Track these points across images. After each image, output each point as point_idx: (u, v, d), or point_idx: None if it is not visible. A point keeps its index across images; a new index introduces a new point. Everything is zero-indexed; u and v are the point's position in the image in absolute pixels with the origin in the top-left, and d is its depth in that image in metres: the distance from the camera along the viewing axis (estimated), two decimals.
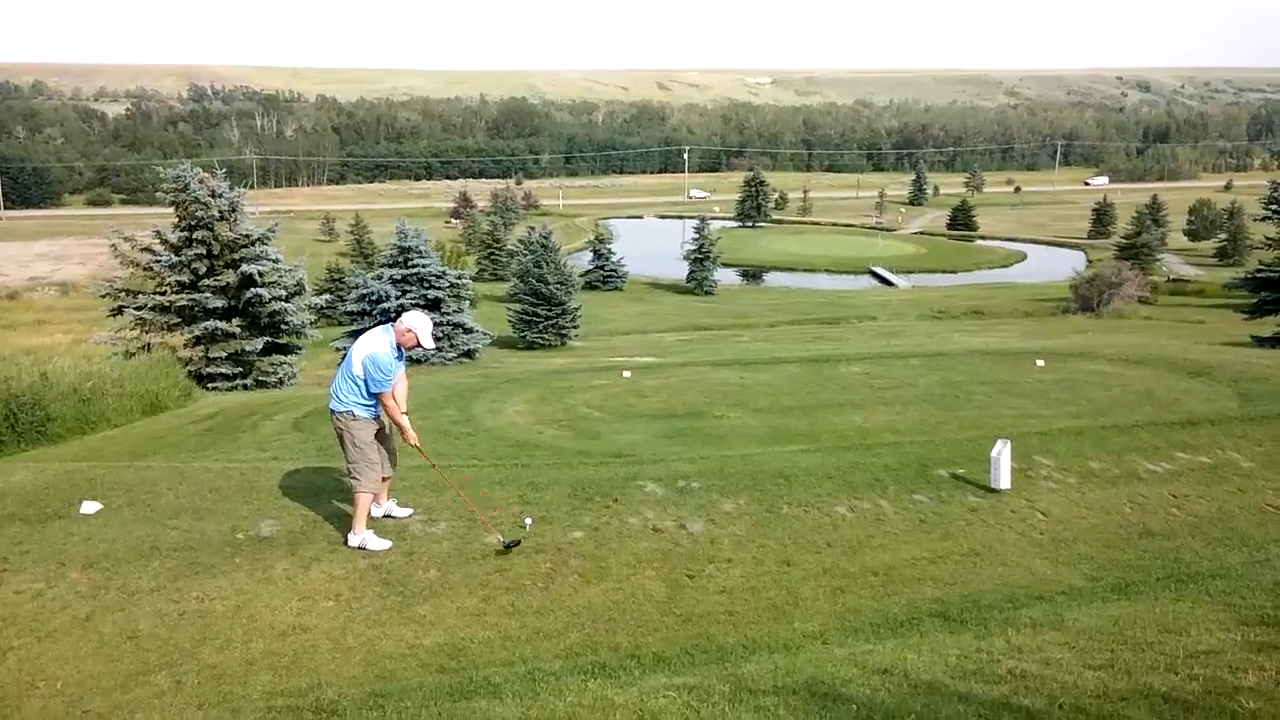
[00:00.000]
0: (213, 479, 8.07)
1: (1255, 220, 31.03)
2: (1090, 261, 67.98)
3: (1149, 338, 28.08)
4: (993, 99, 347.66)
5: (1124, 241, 64.72)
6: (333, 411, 6.67)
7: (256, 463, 9.01)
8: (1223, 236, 76.52)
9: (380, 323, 7.47)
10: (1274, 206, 21.87)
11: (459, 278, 28.96)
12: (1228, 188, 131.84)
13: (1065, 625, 5.33)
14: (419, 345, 6.63)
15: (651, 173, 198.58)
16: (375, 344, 6.49)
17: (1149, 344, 21.38)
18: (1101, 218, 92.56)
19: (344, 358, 6.80)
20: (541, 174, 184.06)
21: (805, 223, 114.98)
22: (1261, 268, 22.81)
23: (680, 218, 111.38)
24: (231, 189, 21.70)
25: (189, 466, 8.70)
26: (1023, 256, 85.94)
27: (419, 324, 6.58)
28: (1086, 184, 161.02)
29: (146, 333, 21.04)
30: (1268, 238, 23.42)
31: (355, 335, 26.13)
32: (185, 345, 21.23)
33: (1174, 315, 44.73)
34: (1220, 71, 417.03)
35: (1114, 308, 45.12)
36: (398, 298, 26.69)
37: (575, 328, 38.26)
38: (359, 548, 6.57)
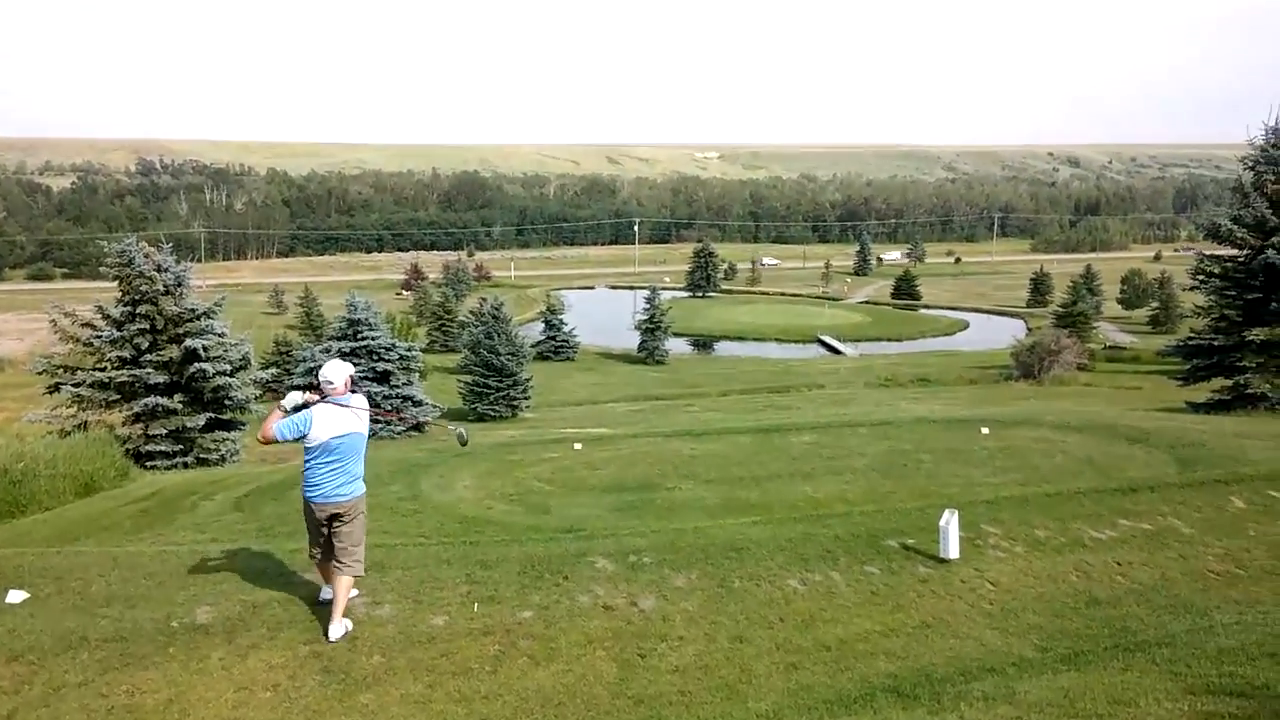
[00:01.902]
0: (147, 563, 7.79)
1: (1184, 289, 32.18)
2: (1030, 329, 69.69)
3: (1089, 404, 28.72)
4: (931, 173, 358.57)
5: (1061, 310, 66.55)
6: (352, 500, 6.38)
7: (194, 545, 8.75)
8: (1154, 305, 79.09)
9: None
10: (1201, 277, 22.63)
11: (409, 350, 28.77)
12: (1157, 258, 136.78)
13: (1017, 698, 5.32)
14: (330, 381, 6.33)
15: (602, 244, 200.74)
16: (360, 399, 6.51)
17: (1089, 411, 21.86)
18: (1039, 287, 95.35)
19: (344, 444, 6.33)
20: (493, 246, 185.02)
21: (754, 292, 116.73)
22: (1193, 335, 23.50)
23: (631, 288, 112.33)
24: (178, 263, 21.42)
25: (122, 551, 8.40)
26: (965, 325, 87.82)
27: (325, 371, 6.38)
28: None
29: (84, 410, 20.48)
30: (1197, 306, 24.20)
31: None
32: (124, 423, 20.68)
33: (1112, 382, 45.84)
34: (1145, 148, 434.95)
35: (1054, 375, 46.14)
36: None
37: (527, 399, 38.08)
38: (345, 633, 6.38)
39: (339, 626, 6.37)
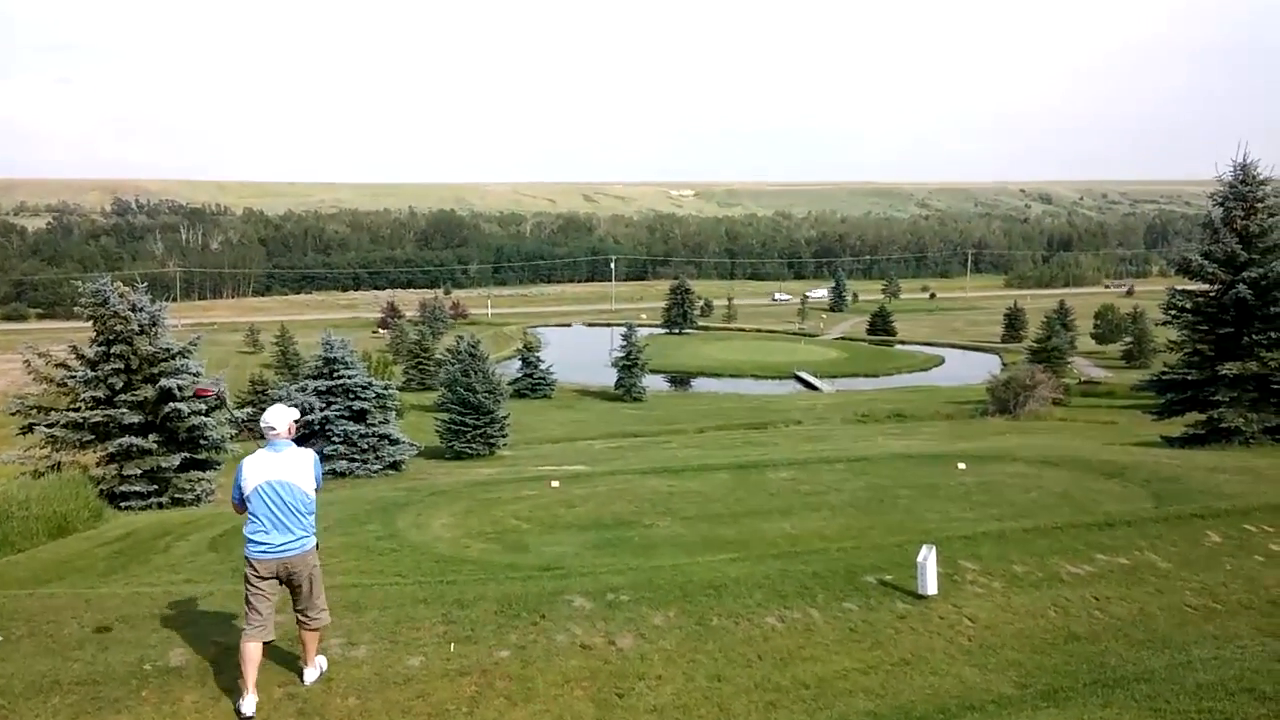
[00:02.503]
0: (120, 605, 7.68)
1: (1157, 324, 32.62)
2: (1005, 365, 70.32)
3: (1064, 439, 28.96)
4: (905, 210, 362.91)
5: (1035, 345, 67.19)
6: (299, 555, 5.98)
7: (168, 586, 8.63)
8: (1128, 340, 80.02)
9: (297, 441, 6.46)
10: (1173, 311, 22.95)
11: (385, 388, 28.65)
12: (1129, 293, 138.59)
13: None
14: (272, 426, 6.06)
15: (579, 281, 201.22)
16: (305, 452, 6.21)
17: (1065, 445, 22.03)
18: (1013, 322, 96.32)
19: (278, 492, 5.95)
20: (470, 284, 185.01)
21: (730, 329, 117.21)
22: (1166, 370, 23.78)
23: (608, 325, 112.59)
24: (153, 302, 21.37)
25: (95, 593, 8.28)
26: (941, 360, 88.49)
27: (267, 416, 6.11)
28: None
29: (58, 451, 20.25)
30: (1170, 341, 24.52)
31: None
32: (98, 463, 20.45)
33: (1087, 416, 46.24)
34: (1116, 184, 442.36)
35: (1030, 410, 46.49)
36: (322, 409, 26.22)
37: (504, 436, 37.94)
38: (320, 675, 6.29)
39: (314, 670, 6.27)
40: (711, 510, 12.83)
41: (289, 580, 6.04)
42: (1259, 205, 21.94)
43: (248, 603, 6.00)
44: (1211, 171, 22.89)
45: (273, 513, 5.94)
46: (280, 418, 6.08)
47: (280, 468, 5.99)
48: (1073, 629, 7.51)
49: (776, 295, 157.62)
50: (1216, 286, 22.20)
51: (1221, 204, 22.61)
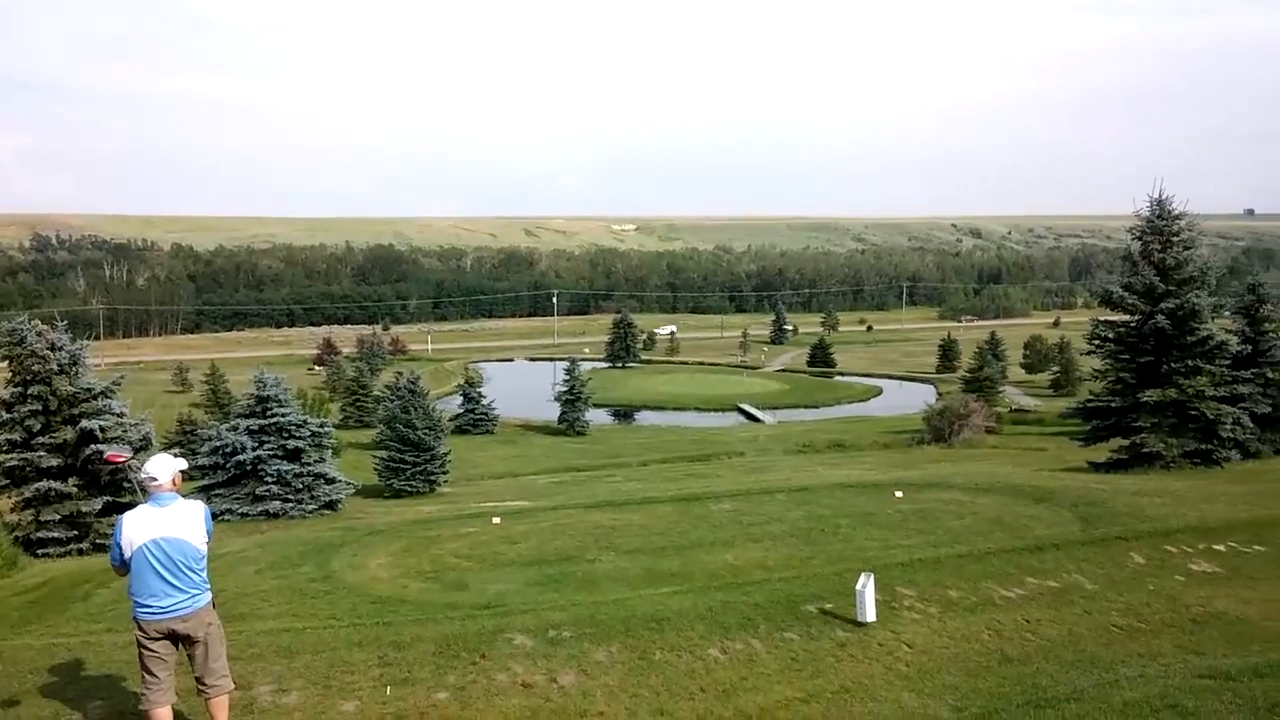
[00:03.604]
0: (34, 658, 7.38)
1: (1082, 354, 33.55)
2: (940, 394, 71.67)
3: (996, 466, 29.54)
4: (842, 244, 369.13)
5: (969, 375, 68.63)
6: (194, 614, 5.61)
7: (87, 636, 8.33)
8: (1055, 369, 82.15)
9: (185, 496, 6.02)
10: (1097, 341, 23.65)
11: (321, 426, 28.09)
12: (1056, 324, 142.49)
13: None
14: (154, 478, 5.67)
15: (521, 316, 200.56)
16: (193, 504, 5.82)
17: (996, 472, 22.48)
18: (947, 353, 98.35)
19: (165, 551, 5.54)
20: (409, 319, 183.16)
21: (673, 362, 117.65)
22: (1091, 398, 24.44)
23: (551, 359, 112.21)
24: (73, 340, 20.76)
25: (7, 645, 7.95)
26: (879, 391, 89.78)
27: (149, 466, 5.74)
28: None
29: None
30: (1095, 370, 25.23)
31: (206, 490, 24.80)
32: (13, 509, 19.70)
33: (1018, 443, 47.28)
34: (1041, 219, 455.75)
35: (964, 438, 47.41)
36: (254, 449, 25.61)
37: (445, 473, 37.44)
38: None
39: None
40: (654, 543, 12.80)
41: (184, 641, 5.66)
42: (1174, 239, 22.73)
43: (143, 666, 5.61)
44: (1130, 207, 23.69)
45: (159, 574, 5.53)
46: (163, 469, 5.67)
47: (166, 524, 5.57)
48: (1006, 651, 7.64)
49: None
50: (1136, 317, 22.91)
51: (1140, 238, 23.39)
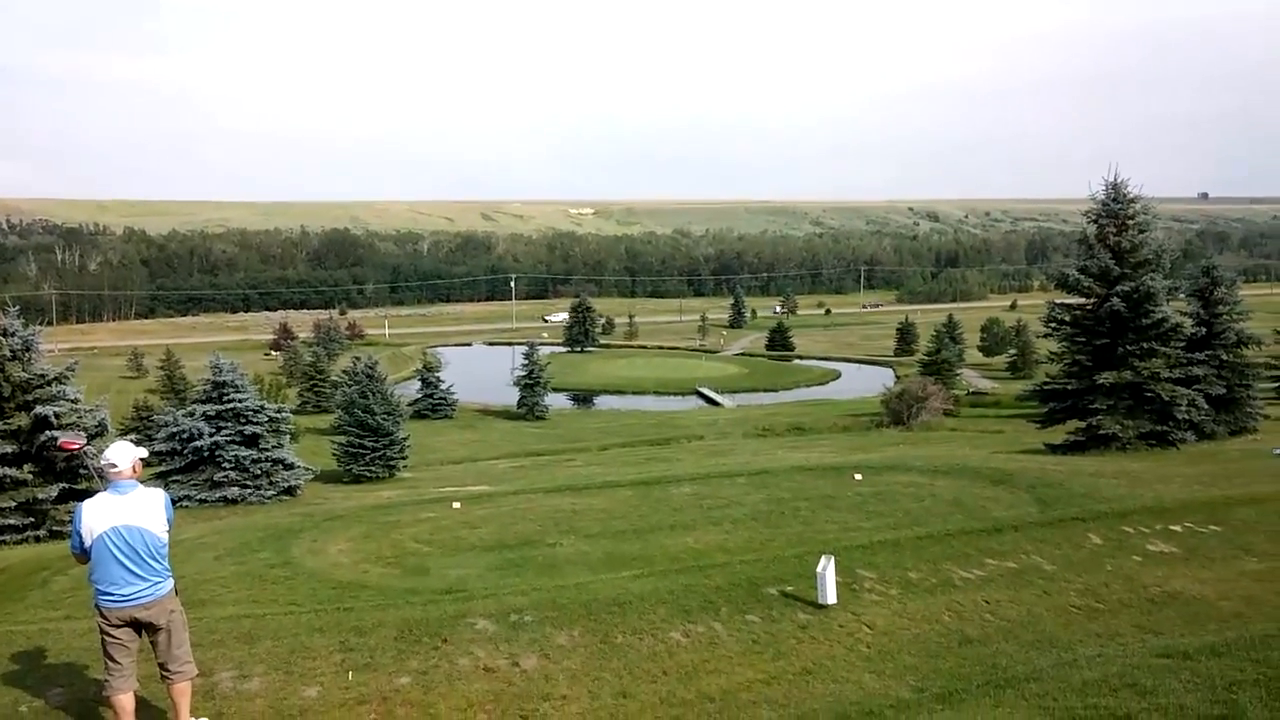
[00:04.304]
0: None
1: (1039, 337, 34.00)
2: (898, 377, 72.35)
3: (954, 448, 29.93)
4: (800, 228, 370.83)
5: (926, 358, 69.39)
6: (156, 601, 5.56)
7: (45, 624, 8.16)
8: (1012, 352, 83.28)
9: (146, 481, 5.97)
10: (1053, 324, 23.99)
11: (279, 411, 27.70)
12: (1013, 307, 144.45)
13: None
14: (114, 465, 5.63)
15: (479, 300, 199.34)
16: (154, 492, 5.76)
17: (955, 454, 22.79)
18: (905, 336, 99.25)
19: (125, 539, 5.50)
20: (366, 304, 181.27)
21: (633, 346, 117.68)
22: (1048, 380, 24.81)
23: (510, 344, 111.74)
24: (25, 326, 20.41)
25: None
26: (837, 375, 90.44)
27: (109, 453, 5.69)
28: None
29: None
30: (1051, 352, 25.60)
31: (164, 477, 24.39)
32: None
33: (976, 426, 47.93)
34: (997, 203, 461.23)
35: (922, 420, 47.93)
36: (211, 435, 25.21)
37: (404, 458, 37.14)
38: None
39: None
40: (615, 527, 12.80)
41: (147, 628, 5.63)
42: (1130, 222, 23.08)
43: (105, 653, 5.59)
44: (1086, 191, 24.01)
45: (121, 562, 5.49)
46: (123, 455, 5.62)
47: (127, 511, 5.53)
48: (966, 632, 7.74)
49: (778, 309, 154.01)
50: (1092, 300, 23.25)
51: (1095, 221, 23.72)
